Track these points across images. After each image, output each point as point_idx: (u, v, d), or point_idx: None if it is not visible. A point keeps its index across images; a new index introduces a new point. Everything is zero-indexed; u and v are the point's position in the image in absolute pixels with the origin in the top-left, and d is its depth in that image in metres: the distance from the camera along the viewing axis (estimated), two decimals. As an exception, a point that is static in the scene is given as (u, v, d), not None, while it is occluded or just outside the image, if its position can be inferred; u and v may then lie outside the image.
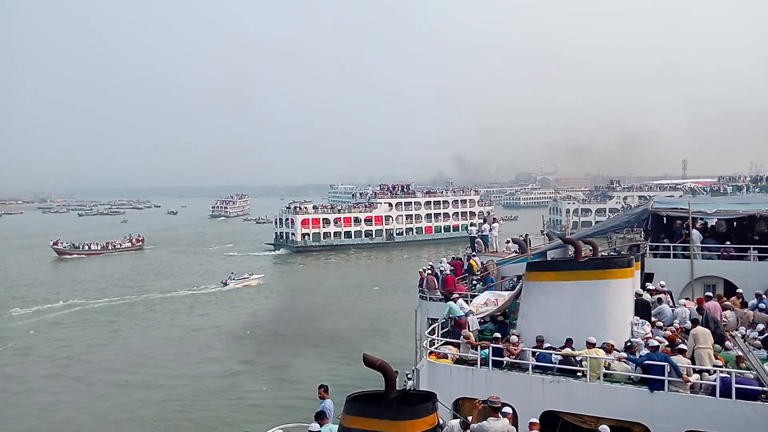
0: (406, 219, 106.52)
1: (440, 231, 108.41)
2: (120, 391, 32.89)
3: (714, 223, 24.04)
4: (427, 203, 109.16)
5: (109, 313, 51.91)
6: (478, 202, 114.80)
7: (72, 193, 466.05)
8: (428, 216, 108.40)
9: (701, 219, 22.92)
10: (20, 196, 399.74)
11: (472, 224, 32.90)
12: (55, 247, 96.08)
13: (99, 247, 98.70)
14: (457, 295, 18.45)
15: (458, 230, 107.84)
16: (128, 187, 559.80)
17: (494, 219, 31.35)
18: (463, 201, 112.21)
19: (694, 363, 12.62)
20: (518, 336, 14.42)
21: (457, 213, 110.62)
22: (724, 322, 15.38)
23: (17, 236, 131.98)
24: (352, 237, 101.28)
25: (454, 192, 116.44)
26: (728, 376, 11.83)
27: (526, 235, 28.13)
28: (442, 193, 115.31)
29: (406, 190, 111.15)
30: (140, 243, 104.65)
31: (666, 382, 12.11)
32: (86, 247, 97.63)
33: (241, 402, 30.73)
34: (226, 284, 63.06)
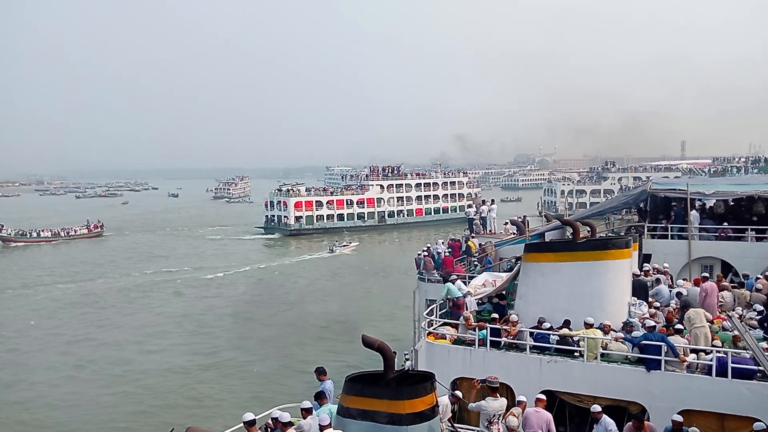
0: (398, 201, 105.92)
1: (430, 213, 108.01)
2: (110, 371, 33.06)
3: (712, 204, 24.07)
4: (418, 185, 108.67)
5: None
6: (466, 183, 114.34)
7: (67, 175, 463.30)
8: (419, 198, 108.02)
9: (699, 200, 22.94)
10: (17, 179, 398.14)
11: (469, 206, 32.89)
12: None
13: (50, 234, 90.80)
14: (456, 277, 18.51)
15: (447, 212, 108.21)
16: (124, 169, 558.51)
17: (483, 201, 31.27)
18: (453, 183, 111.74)
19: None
20: (517, 316, 14.49)
21: (447, 195, 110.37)
22: (721, 302, 15.47)
23: (8, 219, 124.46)
24: (345, 220, 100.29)
25: (444, 174, 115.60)
26: (725, 356, 11.93)
27: (524, 216, 28.11)
28: (431, 175, 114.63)
29: (396, 172, 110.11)
30: (98, 229, 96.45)
31: (663, 362, 12.21)
32: (35, 234, 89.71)
33: (238, 384, 30.90)
34: (332, 251, 73.51)
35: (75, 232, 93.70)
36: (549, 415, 11.08)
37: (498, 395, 11.06)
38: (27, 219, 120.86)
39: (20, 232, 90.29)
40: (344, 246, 76.43)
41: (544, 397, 11.54)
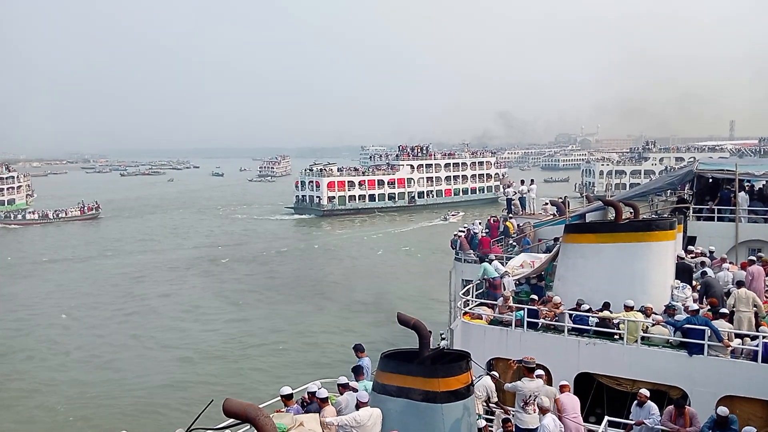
0: (427, 181, 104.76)
1: (458, 194, 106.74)
2: (146, 346, 33.85)
3: (761, 186, 23.24)
4: (447, 166, 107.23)
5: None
6: (494, 164, 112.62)
7: (109, 153, 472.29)
8: (447, 179, 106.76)
9: (748, 181, 22.16)
10: (64, 157, 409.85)
11: (507, 186, 32.43)
12: None
13: (38, 216, 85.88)
14: (493, 257, 18.36)
15: (476, 193, 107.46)
16: (165, 148, 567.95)
17: (522, 181, 30.51)
18: (480, 163, 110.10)
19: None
20: (560, 298, 14.31)
21: (475, 175, 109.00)
22: (768, 287, 14.98)
23: (54, 196, 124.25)
24: (376, 200, 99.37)
25: (472, 154, 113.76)
26: (772, 341, 11.56)
27: (565, 197, 27.65)
28: (460, 155, 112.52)
29: (426, 152, 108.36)
30: (93, 211, 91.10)
31: (705, 347, 11.92)
32: (20, 217, 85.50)
33: (274, 359, 31.45)
34: (446, 219, 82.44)
35: (66, 214, 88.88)
36: (577, 399, 11.06)
37: (534, 376, 10.98)
38: (78, 196, 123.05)
39: (3, 214, 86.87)
40: (453, 215, 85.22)
41: (568, 383, 11.50)
